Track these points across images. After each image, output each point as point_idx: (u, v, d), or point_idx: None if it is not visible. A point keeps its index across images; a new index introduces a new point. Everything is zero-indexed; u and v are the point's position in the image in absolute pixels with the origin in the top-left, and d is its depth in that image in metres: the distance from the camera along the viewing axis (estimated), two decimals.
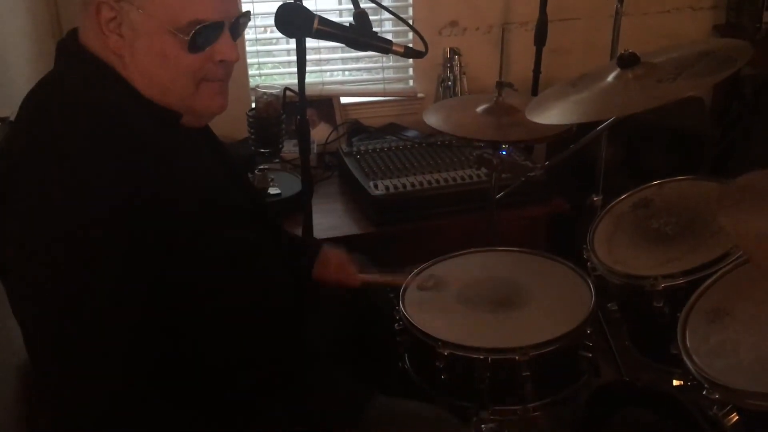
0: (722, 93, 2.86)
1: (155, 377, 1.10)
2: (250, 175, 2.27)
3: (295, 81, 2.40)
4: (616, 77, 1.53)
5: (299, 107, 1.76)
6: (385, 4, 2.78)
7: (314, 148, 2.60)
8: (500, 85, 1.80)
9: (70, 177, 1.04)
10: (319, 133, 2.72)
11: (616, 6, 1.92)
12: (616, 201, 1.67)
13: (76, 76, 1.16)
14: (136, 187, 1.07)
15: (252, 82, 2.69)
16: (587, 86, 1.58)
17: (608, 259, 1.53)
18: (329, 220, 2.29)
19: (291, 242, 1.68)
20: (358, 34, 1.29)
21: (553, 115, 1.51)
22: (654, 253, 1.50)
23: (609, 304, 1.55)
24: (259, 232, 1.40)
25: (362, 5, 1.41)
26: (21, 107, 1.16)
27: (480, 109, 1.81)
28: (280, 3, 1.31)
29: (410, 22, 2.77)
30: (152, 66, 1.14)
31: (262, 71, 2.76)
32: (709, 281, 1.32)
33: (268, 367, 1.30)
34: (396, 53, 1.31)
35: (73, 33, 1.19)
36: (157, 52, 1.13)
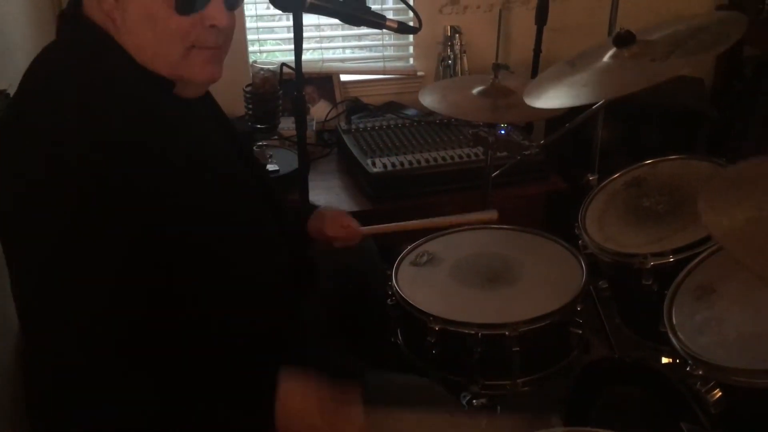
0: (723, 73, 2.85)
1: (143, 343, 1.09)
2: None
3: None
4: (613, 56, 1.53)
5: (296, 83, 1.76)
6: None
7: (313, 125, 2.61)
8: (497, 67, 1.79)
9: (59, 132, 1.05)
10: (319, 110, 2.73)
11: None
12: (609, 180, 1.68)
13: (74, 43, 1.16)
14: (127, 141, 1.07)
15: (253, 59, 2.70)
16: (584, 66, 1.58)
17: (599, 236, 1.54)
18: (327, 197, 2.30)
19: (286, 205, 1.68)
20: (352, 9, 1.29)
21: (550, 98, 1.52)
22: (644, 231, 1.51)
23: (600, 282, 1.57)
24: (259, 206, 1.41)
25: None
26: (23, 76, 1.17)
27: (476, 90, 1.82)
28: None
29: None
30: (141, 28, 1.14)
31: (262, 47, 2.76)
32: (696, 260, 1.33)
33: (261, 339, 1.31)
34: (390, 29, 1.31)
35: (75, 1, 1.19)
36: (146, 13, 1.12)
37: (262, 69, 1.95)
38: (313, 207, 1.67)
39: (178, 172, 1.16)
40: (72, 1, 1.19)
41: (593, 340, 1.75)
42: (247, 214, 1.33)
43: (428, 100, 1.80)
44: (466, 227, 1.77)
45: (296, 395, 1.15)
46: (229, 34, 1.22)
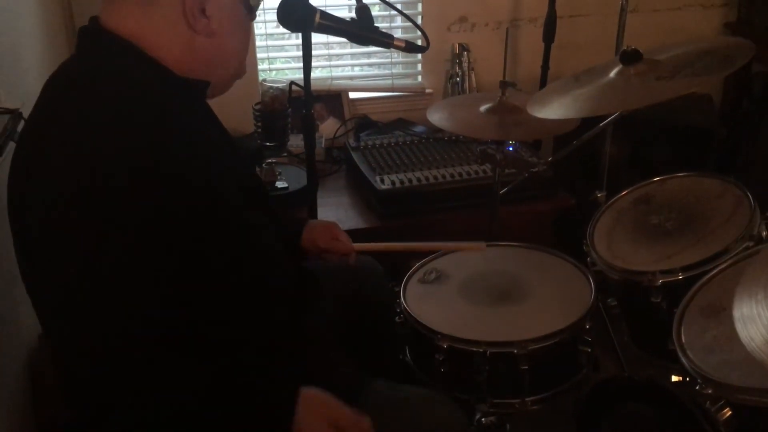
0: (732, 90, 2.85)
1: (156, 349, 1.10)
2: (257, 168, 2.30)
3: None
4: (618, 73, 1.54)
5: (305, 101, 1.77)
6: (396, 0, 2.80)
7: (322, 143, 2.62)
8: (504, 84, 1.80)
9: (91, 145, 1.04)
10: (328, 127, 2.74)
11: (621, 2, 1.92)
12: (617, 197, 1.68)
13: (101, 56, 1.17)
14: (157, 154, 1.08)
15: (262, 77, 2.72)
16: (590, 81, 1.58)
17: (607, 254, 1.53)
18: (335, 213, 2.31)
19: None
20: (359, 29, 1.30)
21: (553, 109, 1.52)
22: (653, 248, 1.50)
23: (609, 300, 1.56)
24: (265, 217, 1.41)
25: (366, 0, 1.42)
26: (43, 89, 1.17)
27: (483, 108, 1.82)
28: None
29: (419, 17, 2.79)
30: (234, 40, 1.22)
31: (272, 66, 2.78)
32: (706, 277, 1.32)
33: (266, 349, 1.31)
34: (397, 48, 1.32)
35: (96, 20, 1.20)
36: (238, 23, 1.21)
37: (271, 87, 1.96)
38: (304, 220, 1.68)
39: (207, 187, 1.17)
40: (92, 19, 1.20)
41: (603, 358, 1.74)
42: (258, 221, 1.34)
43: (436, 117, 1.81)
44: None
45: (311, 415, 1.15)
46: None
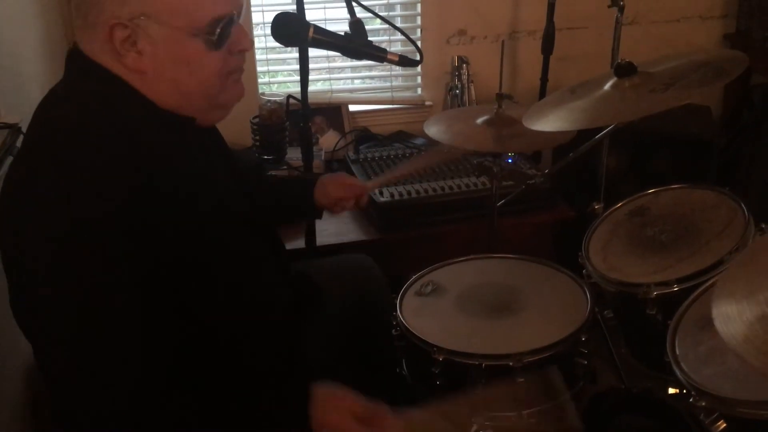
0: (732, 101, 2.85)
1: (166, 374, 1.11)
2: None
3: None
4: (613, 86, 1.54)
5: (302, 115, 1.79)
6: (394, 12, 2.82)
7: (322, 155, 2.63)
8: (500, 97, 1.81)
9: (74, 182, 1.05)
10: (328, 140, 2.75)
11: (616, 16, 1.93)
12: (613, 209, 1.68)
13: (86, 89, 1.16)
14: (141, 191, 1.08)
15: (263, 90, 2.73)
16: (585, 94, 1.59)
17: (603, 266, 1.53)
18: (335, 226, 2.31)
19: (286, 186, 1.73)
20: (353, 43, 1.32)
21: (549, 122, 1.53)
22: (648, 260, 1.50)
23: (605, 312, 1.56)
24: (258, 237, 1.42)
25: (362, 15, 1.44)
26: (33, 118, 1.18)
27: (480, 120, 1.83)
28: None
29: (418, 30, 2.80)
30: (178, 74, 1.15)
31: (272, 79, 2.79)
32: (700, 289, 1.32)
33: (264, 373, 1.32)
34: (391, 61, 1.33)
35: (75, 44, 1.19)
36: (182, 58, 1.14)
37: (269, 101, 1.98)
38: (314, 178, 1.69)
39: (194, 212, 1.18)
40: (74, 43, 1.19)
41: (603, 370, 1.73)
42: (251, 248, 1.35)
43: (433, 130, 1.82)
44: (471, 257, 1.77)
45: (331, 410, 1.15)
46: None
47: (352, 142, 2.72)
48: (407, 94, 2.91)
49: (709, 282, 1.32)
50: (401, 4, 2.81)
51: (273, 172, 2.32)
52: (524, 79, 2.84)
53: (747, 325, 0.89)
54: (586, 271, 1.57)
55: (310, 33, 1.28)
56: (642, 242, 1.56)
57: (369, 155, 2.52)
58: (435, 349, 1.47)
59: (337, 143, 2.73)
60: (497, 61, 2.81)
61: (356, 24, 1.33)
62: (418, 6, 2.77)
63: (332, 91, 2.82)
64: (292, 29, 1.28)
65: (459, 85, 2.77)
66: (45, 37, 2.19)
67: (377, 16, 1.45)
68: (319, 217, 1.74)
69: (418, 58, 1.39)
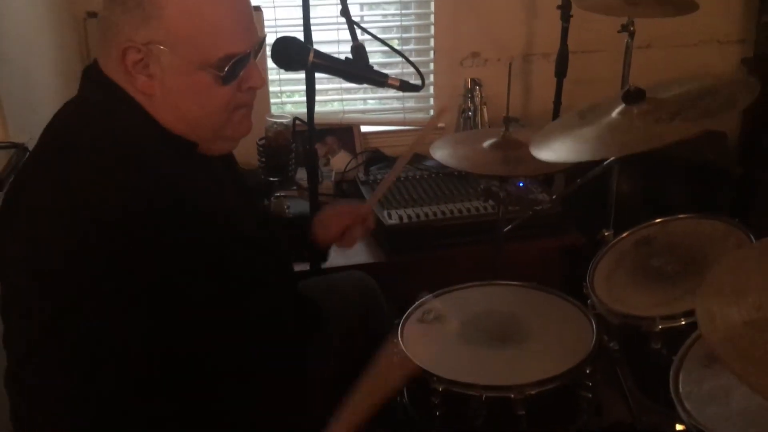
0: (750, 127, 2.79)
1: (152, 396, 1.10)
2: (266, 201, 2.30)
3: (318, 109, 2.43)
4: (621, 113, 1.52)
5: (308, 138, 1.78)
6: (408, 34, 2.81)
7: (332, 176, 2.62)
8: (507, 120, 1.79)
9: (75, 201, 1.05)
10: (339, 161, 2.75)
11: (627, 41, 1.90)
12: (619, 238, 1.64)
13: (99, 106, 1.17)
14: (140, 209, 1.08)
15: (276, 110, 2.73)
16: (593, 119, 1.56)
17: (607, 297, 1.50)
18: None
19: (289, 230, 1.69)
20: (353, 68, 1.31)
21: (554, 151, 1.51)
22: (654, 293, 1.47)
23: (611, 344, 1.52)
24: (266, 259, 1.41)
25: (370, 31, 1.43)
26: (44, 130, 1.19)
27: (487, 143, 1.81)
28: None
29: (431, 52, 2.79)
30: (185, 103, 1.16)
31: (285, 99, 2.79)
32: None
33: (267, 395, 1.30)
34: (392, 86, 1.32)
35: (96, 61, 1.20)
36: (189, 89, 1.15)
37: (275, 123, 1.98)
38: (309, 218, 1.66)
39: (197, 232, 1.16)
40: (95, 59, 1.21)
41: (613, 403, 1.69)
42: (258, 270, 1.34)
43: (439, 154, 1.80)
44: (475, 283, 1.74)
45: None
46: None
47: (363, 163, 2.71)
48: (420, 115, 2.90)
49: None
50: (415, 26, 2.81)
51: (282, 193, 2.31)
52: (537, 102, 2.82)
53: (730, 327, 0.85)
54: (590, 301, 1.53)
55: (310, 57, 1.27)
56: (648, 273, 1.52)
57: (379, 176, 2.51)
58: (435, 378, 1.44)
59: (348, 164, 2.72)
60: (512, 82, 2.81)
61: (358, 48, 1.32)
62: (432, 28, 2.76)
63: (344, 112, 2.82)
64: (291, 53, 1.28)
65: (472, 107, 2.76)
66: (59, 58, 2.20)
67: (377, 39, 1.44)
68: (325, 259, 1.69)
69: (420, 82, 1.37)
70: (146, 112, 1.17)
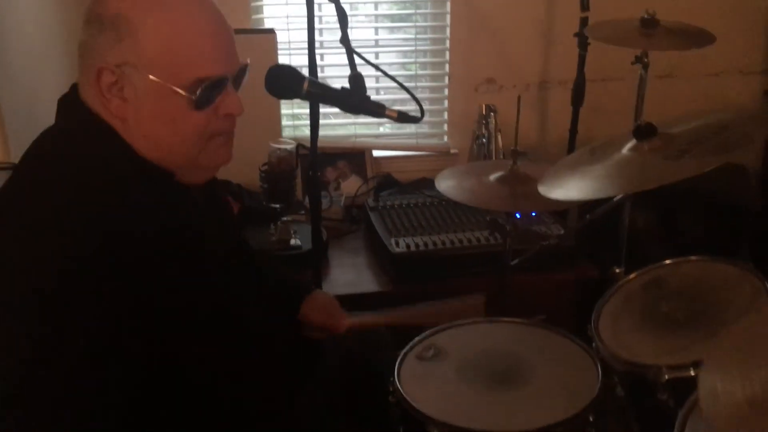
0: None
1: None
2: (272, 225, 2.27)
3: (329, 133, 2.41)
4: (632, 148, 1.46)
5: (310, 164, 1.75)
6: (424, 59, 2.78)
7: (341, 201, 2.59)
8: (516, 154, 1.73)
9: (41, 246, 1.02)
10: (350, 185, 2.71)
11: (640, 73, 1.84)
12: (626, 279, 1.57)
13: (73, 134, 1.15)
14: (110, 240, 1.05)
15: (288, 134, 2.70)
16: (604, 156, 1.51)
17: (612, 342, 1.43)
18: (348, 275, 2.27)
19: (281, 284, 1.66)
20: (349, 98, 1.27)
21: (563, 190, 1.45)
22: (662, 339, 1.39)
23: (617, 389, 1.45)
24: (247, 288, 1.38)
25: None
26: (20, 161, 1.17)
27: (494, 177, 1.75)
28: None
29: (446, 78, 2.75)
30: (158, 127, 1.13)
31: (296, 123, 2.77)
32: None
33: (253, 424, 1.26)
34: (389, 118, 1.28)
35: (75, 87, 1.19)
36: (163, 113, 1.12)
37: (278, 149, 1.94)
38: (304, 291, 1.65)
39: (176, 261, 1.13)
40: (72, 86, 1.20)
41: None
42: (238, 298, 1.30)
43: (444, 185, 1.75)
44: (477, 319, 1.68)
45: None
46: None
47: (373, 188, 2.67)
48: (433, 141, 2.86)
49: None
50: (430, 51, 2.78)
51: (287, 218, 2.28)
52: (554, 130, 2.77)
53: (735, 406, 0.79)
54: (595, 345, 1.46)
55: (305, 86, 1.23)
56: (656, 318, 1.45)
57: (388, 203, 2.47)
58: (431, 421, 1.38)
59: (359, 189, 2.68)
60: (526, 110, 2.74)
61: (356, 78, 1.28)
62: (447, 53, 2.72)
63: (356, 136, 2.78)
64: (285, 82, 1.24)
65: (486, 134, 2.71)
66: (66, 81, 2.19)
67: (377, 68, 1.40)
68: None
69: (420, 114, 1.32)
70: (121, 139, 1.14)
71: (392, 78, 1.39)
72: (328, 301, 1.64)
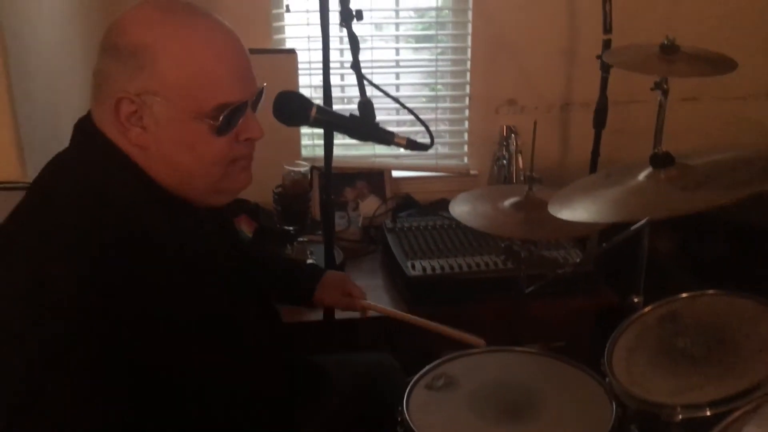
0: None
1: None
2: (288, 246, 2.26)
3: (348, 153, 2.39)
4: (648, 176, 1.43)
5: (324, 187, 1.74)
6: (444, 80, 2.76)
7: (359, 222, 2.57)
8: (531, 180, 1.70)
9: (42, 257, 1.02)
10: (368, 205, 2.70)
11: (660, 99, 1.80)
12: (641, 312, 1.53)
13: (84, 158, 1.15)
14: (121, 273, 1.04)
15: (306, 154, 2.70)
16: (619, 181, 1.48)
17: (626, 378, 1.38)
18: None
19: (292, 270, 1.73)
20: (357, 125, 1.25)
21: (575, 211, 1.42)
22: (677, 376, 1.34)
23: (631, 426, 1.40)
24: (254, 312, 1.37)
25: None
26: (32, 184, 1.17)
27: (508, 202, 1.73)
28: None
29: (467, 98, 2.73)
30: (179, 154, 1.13)
31: (315, 142, 2.77)
32: (730, 418, 1.16)
33: None
34: (398, 145, 1.26)
35: (90, 113, 1.19)
36: (184, 140, 1.12)
37: (292, 171, 1.94)
38: (317, 275, 1.70)
39: (184, 279, 1.14)
40: (89, 111, 1.19)
41: None
42: (243, 323, 1.29)
43: (458, 210, 1.73)
44: (491, 348, 1.65)
45: None
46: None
47: (391, 209, 2.66)
48: (453, 162, 2.83)
49: (740, 411, 1.16)
50: (451, 72, 2.76)
51: (305, 238, 2.27)
52: (576, 152, 2.73)
53: None
54: (608, 380, 1.42)
55: (312, 113, 1.22)
56: (671, 354, 1.40)
57: (406, 224, 2.45)
58: None
59: (377, 209, 2.67)
60: (547, 132, 2.73)
61: (365, 104, 1.27)
62: (468, 74, 2.71)
63: (375, 156, 2.77)
64: (293, 109, 1.23)
65: (506, 155, 2.68)
66: (87, 102, 2.21)
67: (387, 94, 1.39)
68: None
69: (430, 141, 1.31)
70: (138, 168, 1.14)
71: (402, 105, 1.37)
72: (342, 279, 1.72)
